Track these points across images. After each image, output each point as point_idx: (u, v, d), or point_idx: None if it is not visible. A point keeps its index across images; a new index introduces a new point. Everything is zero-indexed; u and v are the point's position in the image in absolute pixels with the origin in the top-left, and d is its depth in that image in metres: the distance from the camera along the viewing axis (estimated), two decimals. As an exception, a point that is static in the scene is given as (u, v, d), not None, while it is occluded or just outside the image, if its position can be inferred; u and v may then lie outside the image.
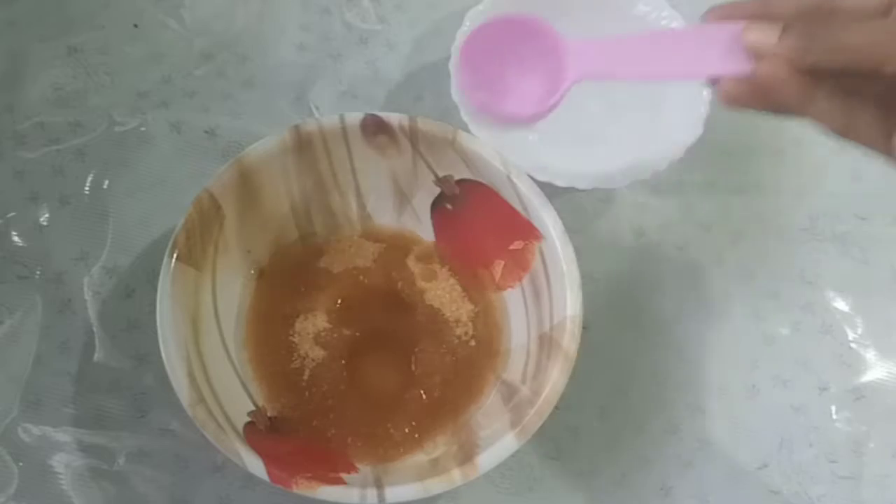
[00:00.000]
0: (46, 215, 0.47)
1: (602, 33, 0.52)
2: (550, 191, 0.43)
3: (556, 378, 0.39)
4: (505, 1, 0.51)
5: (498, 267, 0.46)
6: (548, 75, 0.35)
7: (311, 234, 0.46)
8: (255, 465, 0.37)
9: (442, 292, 0.46)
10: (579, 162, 0.49)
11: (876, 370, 0.48)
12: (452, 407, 0.43)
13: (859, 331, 0.49)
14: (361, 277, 0.46)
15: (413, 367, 0.44)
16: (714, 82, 0.34)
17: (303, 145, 0.43)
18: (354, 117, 0.43)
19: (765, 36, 0.32)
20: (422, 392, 0.43)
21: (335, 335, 0.44)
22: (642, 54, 0.33)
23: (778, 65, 0.32)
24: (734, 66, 0.32)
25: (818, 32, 0.31)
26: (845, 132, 0.33)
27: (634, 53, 0.33)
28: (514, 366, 0.43)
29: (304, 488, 0.36)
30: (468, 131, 0.45)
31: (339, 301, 0.45)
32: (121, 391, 0.44)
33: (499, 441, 0.38)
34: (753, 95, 0.33)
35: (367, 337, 0.44)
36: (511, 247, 0.44)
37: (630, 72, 0.34)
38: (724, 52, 0.32)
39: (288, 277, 0.45)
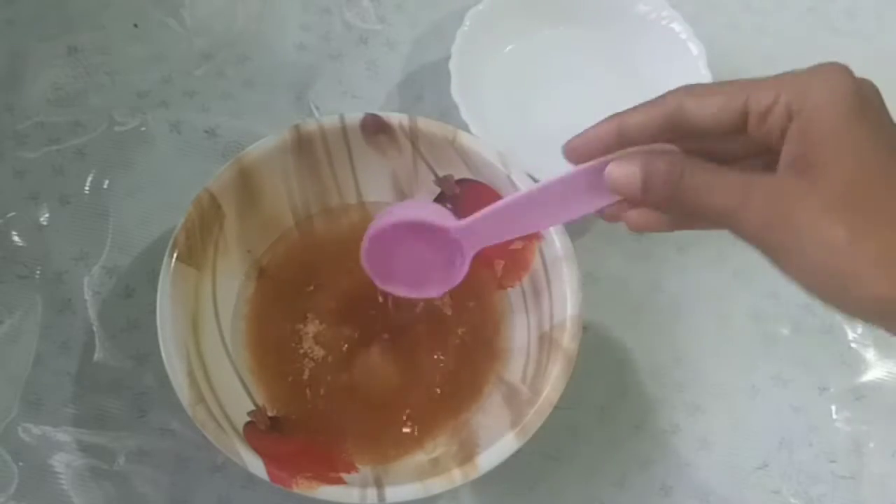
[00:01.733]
0: (46, 215, 0.47)
1: (602, 33, 0.53)
2: (550, 191, 0.43)
3: (556, 378, 0.39)
4: (505, 1, 0.51)
5: (498, 267, 0.46)
6: (447, 256, 0.37)
7: (311, 234, 0.46)
8: (255, 464, 0.37)
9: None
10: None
11: (876, 370, 0.48)
12: (453, 406, 0.43)
13: (859, 331, 0.49)
14: (362, 277, 0.46)
15: (413, 367, 0.44)
16: (601, 215, 0.35)
17: (303, 145, 0.43)
18: (354, 117, 0.43)
19: (629, 189, 0.33)
20: (422, 392, 0.43)
21: (335, 335, 0.44)
22: (522, 213, 0.35)
23: (647, 215, 0.34)
24: (607, 199, 0.34)
25: (677, 196, 0.32)
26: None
27: (514, 214, 0.35)
28: (515, 366, 0.43)
29: (304, 488, 0.36)
30: (468, 131, 0.45)
31: (340, 300, 0.45)
32: (121, 391, 0.44)
33: (499, 441, 0.38)
34: (659, 221, 0.34)
35: (367, 336, 0.44)
36: (511, 247, 0.44)
37: (516, 231, 0.37)
38: (595, 192, 0.34)
39: (288, 277, 0.45)
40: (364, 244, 0.39)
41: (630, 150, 0.33)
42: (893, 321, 0.29)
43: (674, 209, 0.33)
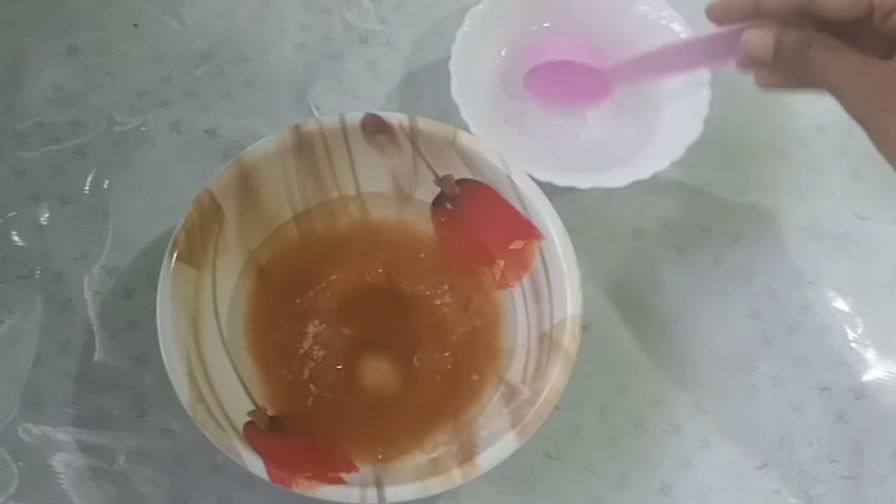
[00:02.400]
0: (46, 215, 0.47)
1: (602, 32, 0.53)
2: (550, 191, 0.43)
3: (556, 378, 0.39)
4: (505, 1, 0.51)
5: (498, 266, 0.46)
6: (596, 84, 0.47)
7: (311, 234, 0.46)
8: (255, 464, 0.37)
9: (442, 292, 0.46)
10: (579, 162, 0.50)
11: (876, 370, 0.48)
12: (452, 406, 0.43)
13: (859, 331, 0.49)
14: (361, 277, 0.46)
15: (413, 367, 0.44)
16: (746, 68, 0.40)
17: (303, 145, 0.43)
18: (354, 117, 0.43)
19: (761, 47, 0.37)
20: (422, 391, 0.43)
21: (335, 335, 0.44)
22: (663, 62, 0.43)
23: (774, 77, 0.39)
24: (737, 58, 0.39)
25: (802, 67, 0.36)
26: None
27: (657, 63, 0.44)
28: (515, 365, 0.43)
29: (304, 488, 0.36)
30: (468, 131, 0.45)
31: (340, 300, 0.45)
32: (121, 391, 0.44)
33: (499, 441, 0.38)
34: (784, 79, 0.39)
35: (367, 336, 0.44)
36: (511, 246, 0.44)
37: (654, 75, 0.46)
38: (730, 52, 0.39)
39: (288, 277, 0.45)
40: (532, 70, 0.48)
41: (766, 20, 0.37)
42: None
43: (799, 77, 0.37)
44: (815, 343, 0.49)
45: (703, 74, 0.50)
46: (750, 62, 0.38)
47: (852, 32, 0.35)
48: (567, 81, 0.48)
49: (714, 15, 0.40)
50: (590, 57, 0.47)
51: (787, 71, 0.37)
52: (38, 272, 0.46)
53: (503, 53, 0.53)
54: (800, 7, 0.36)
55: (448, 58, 0.48)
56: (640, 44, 0.53)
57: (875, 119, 0.34)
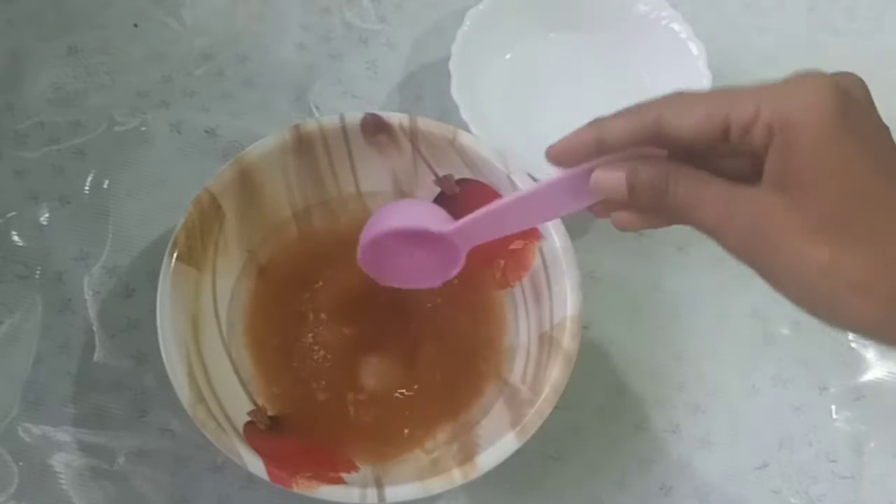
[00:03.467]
0: (46, 215, 0.47)
1: (602, 33, 0.53)
2: (550, 190, 0.43)
3: (556, 378, 0.39)
4: (505, 1, 0.51)
5: (498, 266, 0.46)
6: (443, 252, 0.39)
7: (311, 233, 0.46)
8: (255, 464, 0.37)
9: (442, 291, 0.45)
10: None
11: (876, 370, 0.48)
12: (453, 406, 0.43)
13: (859, 331, 0.49)
14: (361, 276, 0.46)
15: (413, 366, 0.44)
16: (593, 210, 0.36)
17: (303, 145, 0.43)
18: (354, 117, 0.43)
19: (615, 195, 0.33)
20: (422, 391, 0.43)
21: (335, 334, 0.44)
22: (511, 215, 0.37)
23: (629, 217, 0.34)
24: (593, 201, 0.34)
25: (663, 204, 0.32)
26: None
27: (504, 216, 0.37)
28: (515, 365, 0.43)
29: (304, 488, 0.36)
30: (468, 131, 0.45)
31: (340, 300, 0.45)
32: (121, 391, 0.44)
33: (499, 440, 0.38)
34: (642, 219, 0.34)
35: (367, 336, 0.44)
36: (511, 246, 0.44)
37: (505, 230, 0.38)
38: (581, 194, 0.34)
39: (288, 276, 0.45)
40: (360, 251, 0.40)
41: (616, 155, 0.33)
42: (885, 337, 0.29)
43: (659, 215, 0.33)
44: (815, 343, 0.49)
45: (704, 74, 0.50)
46: (603, 206, 0.34)
47: (710, 156, 0.31)
48: (405, 257, 0.40)
49: (555, 158, 0.34)
50: (429, 222, 0.39)
51: (645, 210, 0.33)
52: (38, 272, 0.46)
53: (503, 53, 0.53)
54: (647, 135, 0.31)
55: (448, 58, 0.48)
56: (640, 44, 0.53)
57: (758, 256, 0.31)
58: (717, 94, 0.30)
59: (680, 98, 0.31)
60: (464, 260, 0.39)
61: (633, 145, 0.32)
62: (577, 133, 0.33)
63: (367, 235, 0.39)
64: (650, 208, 0.33)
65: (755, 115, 0.28)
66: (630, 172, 0.32)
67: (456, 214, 0.46)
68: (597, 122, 0.33)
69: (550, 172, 0.45)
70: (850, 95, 0.28)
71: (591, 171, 0.33)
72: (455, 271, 0.40)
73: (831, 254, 0.28)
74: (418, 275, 0.41)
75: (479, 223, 0.37)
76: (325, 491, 0.36)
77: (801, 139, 0.28)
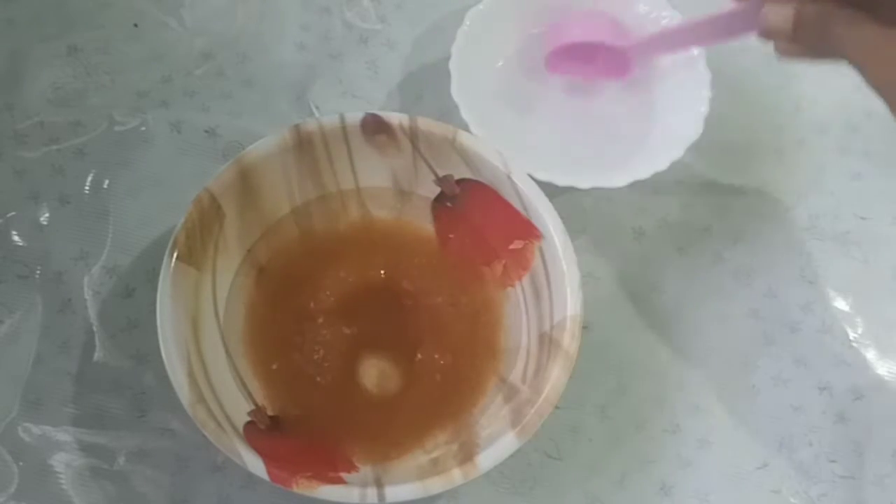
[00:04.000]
0: (46, 215, 0.47)
1: (602, 33, 0.53)
2: (550, 191, 0.43)
3: (556, 377, 0.39)
4: (506, 1, 0.51)
5: (498, 266, 0.46)
6: (618, 58, 0.49)
7: (312, 233, 0.46)
8: (255, 464, 0.37)
9: (442, 291, 0.46)
10: (579, 162, 0.50)
11: (876, 370, 0.48)
12: (453, 406, 0.43)
13: (859, 330, 0.49)
14: (362, 276, 0.46)
15: (413, 366, 0.44)
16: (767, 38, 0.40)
17: (303, 145, 0.43)
18: (354, 117, 0.43)
19: (781, 31, 0.37)
20: (422, 391, 0.43)
21: (336, 334, 0.44)
22: (684, 37, 0.46)
23: (794, 48, 0.38)
24: (756, 30, 0.39)
25: (822, 42, 0.36)
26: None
27: (678, 38, 0.46)
28: (515, 365, 0.43)
29: (304, 488, 0.36)
30: (468, 131, 0.45)
31: (340, 300, 0.45)
32: (121, 391, 0.44)
33: (499, 440, 0.38)
34: (803, 50, 0.38)
35: (367, 336, 0.44)
36: (511, 246, 0.44)
37: (674, 48, 0.48)
38: (749, 25, 0.39)
39: (288, 276, 0.45)
40: (556, 48, 0.49)
41: None
42: None
43: (819, 51, 0.37)
44: (815, 343, 0.49)
45: (704, 73, 0.50)
46: (769, 36, 0.38)
47: (871, 3, 0.35)
48: (589, 59, 0.49)
49: None
50: (610, 37, 0.48)
51: (806, 44, 0.37)
52: (38, 272, 0.46)
53: (503, 53, 0.53)
54: None
55: (448, 58, 0.48)
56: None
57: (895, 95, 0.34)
58: None
59: None
60: (634, 66, 0.49)
61: None
62: None
63: (552, 43, 0.50)
64: (811, 42, 0.37)
65: None
66: (797, 9, 0.36)
67: (456, 214, 0.47)
68: None
69: (551, 172, 0.46)
70: None
71: (762, 4, 0.38)
72: (628, 73, 0.49)
73: None
74: (595, 70, 0.50)
75: (655, 40, 0.47)
76: (325, 491, 0.36)
77: None
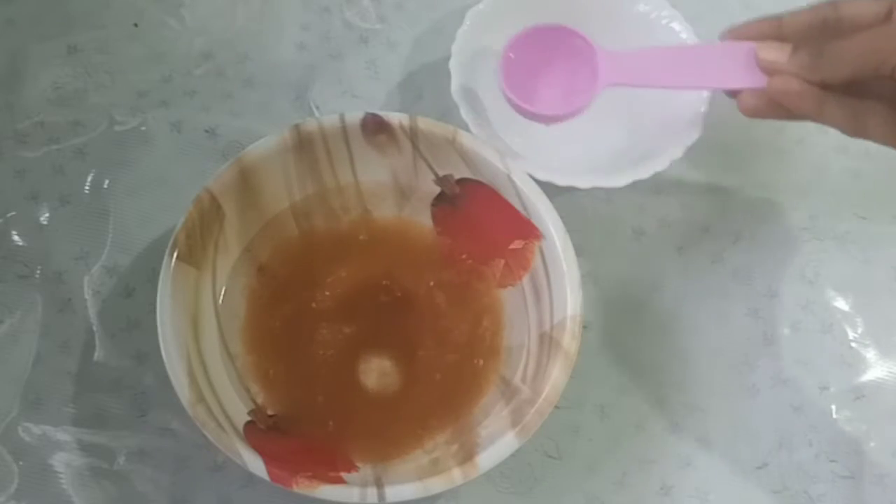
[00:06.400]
0: (46, 214, 0.47)
1: (602, 32, 0.53)
2: (550, 190, 0.43)
3: (556, 377, 0.39)
4: (506, 1, 0.51)
5: (498, 266, 0.46)
6: (579, 80, 0.39)
7: (312, 233, 0.46)
8: (255, 464, 0.37)
9: (442, 291, 0.46)
10: (579, 162, 0.50)
11: (876, 369, 0.48)
12: (453, 406, 0.43)
13: (859, 330, 0.49)
14: (362, 276, 0.46)
15: (413, 366, 0.44)
16: (733, 94, 0.38)
17: (303, 144, 0.43)
18: (355, 116, 0.43)
19: (777, 55, 0.36)
20: (422, 391, 0.43)
21: (336, 334, 0.44)
22: (668, 66, 0.38)
23: (789, 80, 0.36)
24: (750, 80, 0.36)
25: (823, 49, 0.34)
26: (857, 133, 0.35)
27: (661, 65, 0.38)
28: (515, 365, 0.43)
29: (304, 487, 0.36)
30: (468, 131, 0.45)
31: (340, 299, 0.45)
32: (121, 391, 0.44)
33: (499, 440, 0.38)
34: (770, 107, 0.37)
35: (367, 335, 0.44)
36: (511, 246, 0.45)
37: (655, 81, 0.39)
38: (742, 68, 0.36)
39: (288, 276, 0.45)
40: (510, 42, 0.40)
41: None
42: None
43: (817, 73, 0.35)
44: (815, 343, 0.49)
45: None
46: (750, 91, 0.37)
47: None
48: (542, 75, 0.41)
49: (731, 33, 0.38)
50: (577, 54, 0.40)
51: (800, 73, 0.36)
52: (38, 272, 0.46)
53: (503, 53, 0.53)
54: (822, 18, 0.35)
55: (448, 58, 0.48)
56: (640, 43, 0.53)
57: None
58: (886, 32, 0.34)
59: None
60: (594, 95, 0.39)
61: (811, 27, 0.36)
62: (760, 21, 0.38)
63: (525, 30, 0.40)
64: (809, 67, 0.35)
65: None
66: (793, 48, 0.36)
67: (456, 214, 0.47)
68: (776, 16, 0.37)
69: (551, 172, 0.45)
70: None
71: (755, 49, 0.36)
72: (583, 106, 0.40)
73: None
74: (547, 99, 0.41)
75: (636, 58, 0.38)
76: (325, 490, 0.36)
77: None
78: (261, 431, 0.40)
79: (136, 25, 0.53)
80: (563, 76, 0.40)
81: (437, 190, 0.46)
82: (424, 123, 0.43)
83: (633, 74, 0.38)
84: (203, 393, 0.38)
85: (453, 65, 0.48)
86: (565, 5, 0.53)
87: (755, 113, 0.37)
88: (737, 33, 0.38)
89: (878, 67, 0.33)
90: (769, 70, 0.37)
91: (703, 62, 0.37)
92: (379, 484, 0.37)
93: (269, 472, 0.36)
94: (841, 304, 0.50)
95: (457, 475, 0.37)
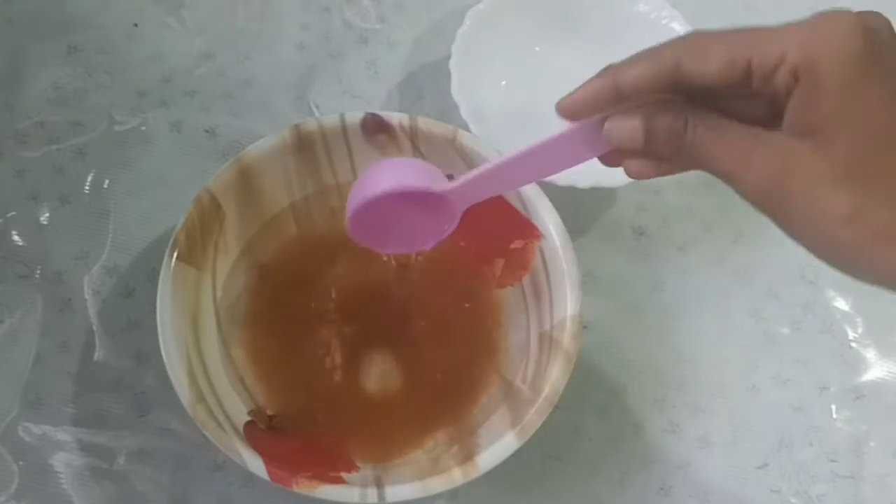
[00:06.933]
0: (47, 214, 0.47)
1: (602, 32, 0.53)
2: (550, 190, 0.43)
3: (556, 377, 0.39)
4: (506, 1, 0.51)
5: (498, 266, 0.46)
6: (438, 213, 0.36)
7: (312, 233, 0.46)
8: (255, 464, 0.36)
9: (442, 290, 0.46)
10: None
11: (876, 369, 0.48)
12: (453, 406, 0.43)
13: (859, 330, 0.49)
14: (362, 276, 0.46)
15: (413, 366, 0.44)
16: (608, 162, 0.34)
17: (303, 144, 0.43)
18: (355, 116, 0.43)
19: (630, 144, 0.31)
20: (422, 391, 0.43)
21: (336, 333, 0.44)
22: (516, 171, 0.34)
23: (645, 165, 0.32)
24: (605, 145, 0.32)
25: (680, 151, 0.30)
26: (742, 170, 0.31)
27: (508, 173, 0.34)
28: (515, 365, 0.43)
29: (304, 487, 0.36)
30: (468, 130, 0.45)
31: (340, 299, 0.45)
32: (121, 390, 0.44)
33: (499, 440, 0.38)
34: (657, 167, 0.32)
35: (367, 335, 0.44)
36: (511, 246, 0.44)
37: (508, 187, 0.37)
38: (590, 145, 0.33)
39: (288, 276, 0.45)
40: (351, 214, 0.36)
41: (629, 104, 0.31)
42: None
43: (675, 162, 0.31)
44: (815, 343, 0.49)
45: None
46: (617, 155, 0.32)
47: (725, 97, 0.30)
48: (396, 220, 0.37)
49: (566, 110, 0.32)
50: (427, 181, 0.35)
51: (663, 157, 0.31)
52: (38, 272, 0.46)
53: (503, 53, 0.53)
54: (665, 81, 0.30)
55: (448, 58, 0.48)
56: (640, 43, 0.53)
57: (776, 203, 0.29)
58: (739, 36, 0.29)
59: (698, 40, 0.30)
60: (459, 219, 0.37)
61: (650, 92, 0.30)
62: (590, 83, 0.32)
63: (358, 198, 0.35)
64: (668, 155, 0.31)
65: (780, 59, 0.28)
66: (646, 117, 0.31)
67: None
68: (610, 70, 0.31)
69: (552, 176, 0.45)
70: (877, 36, 0.27)
71: (603, 120, 0.31)
72: (449, 230, 0.38)
73: (854, 202, 0.27)
74: (409, 238, 0.38)
75: (480, 181, 0.35)
76: (326, 490, 0.36)
77: (827, 83, 0.27)
78: (261, 431, 0.40)
79: (136, 25, 0.53)
80: (417, 223, 0.37)
81: (437, 190, 0.46)
82: (424, 123, 0.43)
83: (485, 192, 0.35)
84: (203, 393, 0.38)
85: (453, 65, 0.48)
86: (565, 5, 0.53)
87: (644, 176, 0.33)
88: (573, 107, 0.32)
89: (729, 177, 0.29)
90: (622, 154, 0.33)
91: (553, 154, 0.33)
92: (379, 484, 0.37)
93: (269, 472, 0.36)
94: (841, 304, 0.50)
95: (457, 475, 0.37)
